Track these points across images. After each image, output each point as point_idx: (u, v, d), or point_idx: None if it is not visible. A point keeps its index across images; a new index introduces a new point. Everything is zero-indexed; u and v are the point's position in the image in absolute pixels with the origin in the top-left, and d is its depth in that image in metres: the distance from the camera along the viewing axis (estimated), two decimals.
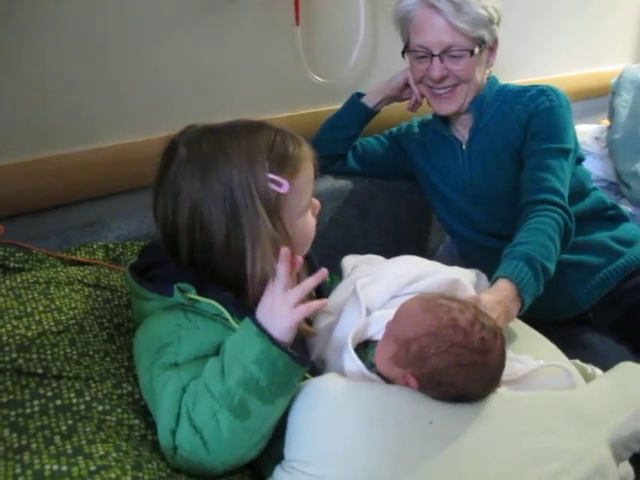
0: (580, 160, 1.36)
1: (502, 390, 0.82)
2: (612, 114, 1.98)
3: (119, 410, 0.78)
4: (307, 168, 0.87)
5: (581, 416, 0.80)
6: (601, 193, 1.41)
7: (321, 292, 0.99)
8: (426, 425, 0.75)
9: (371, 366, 0.82)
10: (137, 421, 0.78)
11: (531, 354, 0.91)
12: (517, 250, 1.08)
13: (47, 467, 0.65)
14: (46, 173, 1.14)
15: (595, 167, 1.97)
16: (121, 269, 1.03)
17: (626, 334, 1.33)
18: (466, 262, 1.40)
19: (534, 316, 1.05)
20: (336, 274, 1.08)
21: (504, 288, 1.01)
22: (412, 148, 1.46)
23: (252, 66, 1.40)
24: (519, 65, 2.03)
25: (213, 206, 0.80)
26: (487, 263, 1.13)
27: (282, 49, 1.44)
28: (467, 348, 0.76)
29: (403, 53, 1.31)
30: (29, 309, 0.86)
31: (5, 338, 0.80)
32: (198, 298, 0.80)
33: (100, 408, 0.76)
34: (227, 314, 0.80)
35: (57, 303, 0.88)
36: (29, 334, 0.82)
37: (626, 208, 1.55)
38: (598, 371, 0.95)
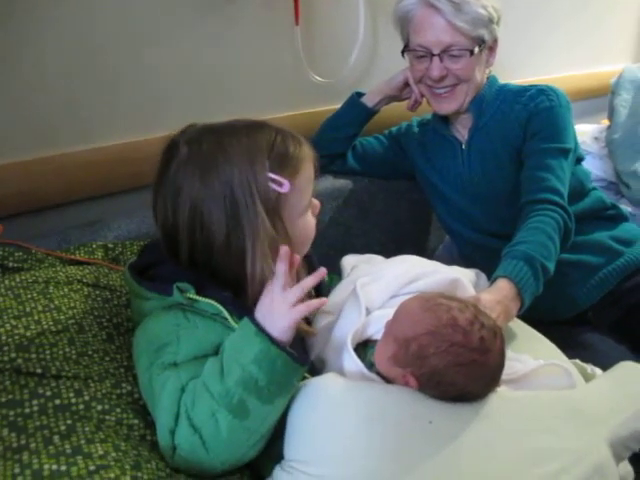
0: (580, 160, 1.36)
1: (502, 390, 0.81)
2: (612, 114, 1.98)
3: (118, 410, 0.78)
4: (307, 168, 0.87)
5: (581, 416, 0.80)
6: (601, 193, 1.41)
7: (320, 292, 0.99)
8: (426, 425, 0.74)
9: (370, 366, 0.82)
10: (136, 421, 0.78)
11: (531, 354, 0.91)
12: (517, 249, 1.08)
13: (46, 467, 0.65)
14: (46, 172, 1.14)
15: (595, 167, 1.97)
16: (120, 269, 1.03)
17: (626, 334, 1.33)
18: (466, 262, 1.40)
19: (534, 316, 1.05)
20: (335, 274, 1.08)
21: (504, 287, 1.01)
22: (412, 148, 1.46)
23: (252, 66, 1.40)
24: (519, 65, 2.03)
25: (213, 205, 0.80)
26: (487, 263, 1.13)
27: (282, 49, 1.44)
28: (467, 347, 0.76)
29: (403, 53, 1.31)
30: (28, 309, 0.85)
31: (4, 338, 0.79)
32: (197, 298, 0.80)
33: (99, 408, 0.76)
34: (226, 314, 0.80)
35: (56, 303, 0.88)
36: (28, 334, 0.81)
37: (626, 208, 1.55)
38: (598, 371, 0.95)
